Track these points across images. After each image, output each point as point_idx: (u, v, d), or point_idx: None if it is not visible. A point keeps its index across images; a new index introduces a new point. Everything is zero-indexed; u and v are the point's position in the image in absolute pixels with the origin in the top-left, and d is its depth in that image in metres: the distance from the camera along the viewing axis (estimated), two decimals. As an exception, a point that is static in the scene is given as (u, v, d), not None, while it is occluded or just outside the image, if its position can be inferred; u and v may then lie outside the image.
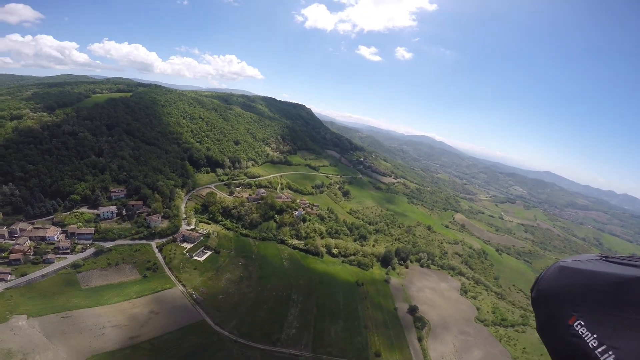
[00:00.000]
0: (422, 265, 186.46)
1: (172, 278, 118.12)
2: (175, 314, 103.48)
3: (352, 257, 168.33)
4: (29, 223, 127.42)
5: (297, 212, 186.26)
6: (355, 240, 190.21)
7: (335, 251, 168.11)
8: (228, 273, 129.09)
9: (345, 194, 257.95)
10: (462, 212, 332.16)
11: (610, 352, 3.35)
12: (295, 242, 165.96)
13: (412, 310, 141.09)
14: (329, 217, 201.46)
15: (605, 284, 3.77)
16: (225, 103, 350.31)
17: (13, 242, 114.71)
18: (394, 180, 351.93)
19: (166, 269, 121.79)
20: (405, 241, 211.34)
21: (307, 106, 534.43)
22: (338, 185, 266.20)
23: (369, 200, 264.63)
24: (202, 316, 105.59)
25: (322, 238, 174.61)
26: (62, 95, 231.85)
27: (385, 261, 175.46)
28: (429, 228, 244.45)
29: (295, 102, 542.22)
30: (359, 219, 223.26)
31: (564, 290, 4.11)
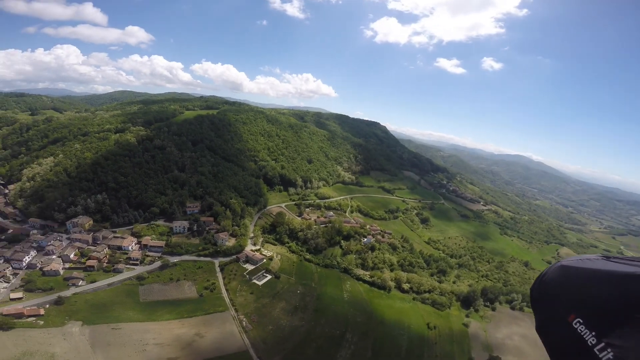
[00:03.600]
0: (513, 308, 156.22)
1: (227, 301, 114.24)
2: (221, 339, 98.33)
3: (426, 295, 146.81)
4: (112, 231, 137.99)
5: (365, 239, 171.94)
6: (432, 275, 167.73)
7: (406, 286, 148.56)
8: (284, 301, 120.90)
9: (424, 221, 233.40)
10: (569, 245, 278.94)
11: (609, 350, 3.35)
12: (360, 272, 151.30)
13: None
14: (402, 246, 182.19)
15: (605, 282, 3.77)
16: (301, 120, 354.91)
17: (94, 248, 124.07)
18: (483, 207, 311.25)
19: (223, 290, 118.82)
20: (495, 279, 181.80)
21: (381, 124, 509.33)
22: (416, 211, 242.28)
23: (452, 229, 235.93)
24: (246, 347, 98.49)
25: (392, 270, 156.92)
26: (160, 111, 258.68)
27: (467, 301, 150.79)
28: (525, 264, 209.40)
29: (369, 119, 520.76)
30: (438, 250, 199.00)
31: (564, 288, 4.13)
